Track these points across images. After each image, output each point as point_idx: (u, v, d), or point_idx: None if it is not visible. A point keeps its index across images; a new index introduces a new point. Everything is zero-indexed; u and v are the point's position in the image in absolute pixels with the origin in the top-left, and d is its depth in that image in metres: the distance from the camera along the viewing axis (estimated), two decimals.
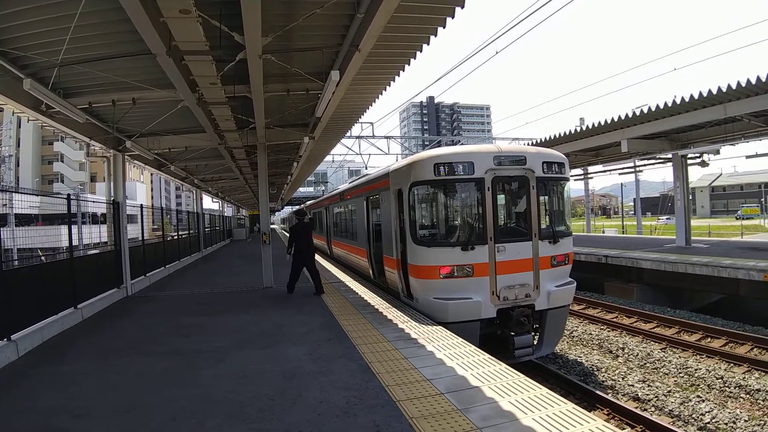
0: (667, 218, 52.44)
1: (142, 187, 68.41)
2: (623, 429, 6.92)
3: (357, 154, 31.73)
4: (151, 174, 25.98)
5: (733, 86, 12.61)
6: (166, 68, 7.31)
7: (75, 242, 9.59)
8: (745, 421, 7.09)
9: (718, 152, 19.86)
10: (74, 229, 9.86)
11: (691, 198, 22.22)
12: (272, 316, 9.17)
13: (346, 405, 4.73)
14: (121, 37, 7.28)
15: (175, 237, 21.33)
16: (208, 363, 6.35)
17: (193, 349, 7.04)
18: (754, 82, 12.11)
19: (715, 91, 13.18)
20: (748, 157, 20.20)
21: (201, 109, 9.83)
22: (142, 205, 15.60)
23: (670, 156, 20.19)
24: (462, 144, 42.83)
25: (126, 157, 13.68)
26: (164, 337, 7.90)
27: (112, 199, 12.32)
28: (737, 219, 54.68)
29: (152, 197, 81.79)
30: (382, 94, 11.64)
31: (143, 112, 10.96)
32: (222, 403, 4.93)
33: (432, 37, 8.13)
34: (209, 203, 44.50)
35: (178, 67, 7.24)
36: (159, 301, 11.54)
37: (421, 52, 8.81)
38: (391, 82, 10.79)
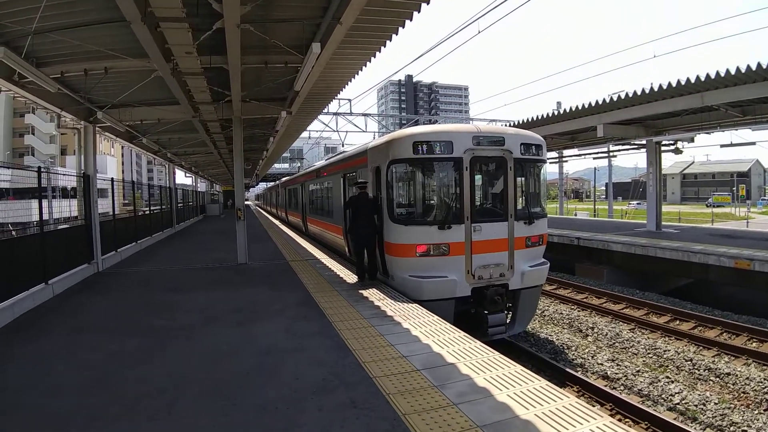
0: (638, 203, 53.67)
1: (112, 160, 66.53)
2: (593, 406, 7.07)
3: (334, 130, 31.34)
4: (123, 147, 25.29)
5: (712, 76, 12.74)
6: (141, 36, 7.07)
7: (45, 216, 9.29)
8: (715, 404, 7.21)
9: (692, 140, 20.20)
10: (44, 203, 9.51)
11: (662, 184, 22.67)
12: (247, 293, 9.08)
13: (323, 382, 4.72)
14: (96, 3, 7.01)
15: (147, 212, 20.90)
16: (181, 340, 6.26)
17: (166, 326, 6.92)
18: (733, 72, 12.24)
19: (693, 80, 13.31)
20: (723, 146, 20.50)
21: (175, 79, 9.56)
22: (112, 178, 15.21)
23: (644, 142, 20.48)
24: (440, 123, 42.80)
25: (97, 128, 13.29)
26: (136, 314, 7.74)
27: (82, 172, 11.95)
28: (708, 206, 56.14)
29: (123, 171, 79.74)
30: (362, 69, 11.41)
31: (115, 82, 10.59)
32: (195, 381, 4.87)
33: (415, 13, 7.99)
34: (182, 178, 43.68)
35: (152, 35, 7.01)
36: (130, 277, 11.29)
37: (403, 27, 8.64)
38: (372, 58, 10.57)
